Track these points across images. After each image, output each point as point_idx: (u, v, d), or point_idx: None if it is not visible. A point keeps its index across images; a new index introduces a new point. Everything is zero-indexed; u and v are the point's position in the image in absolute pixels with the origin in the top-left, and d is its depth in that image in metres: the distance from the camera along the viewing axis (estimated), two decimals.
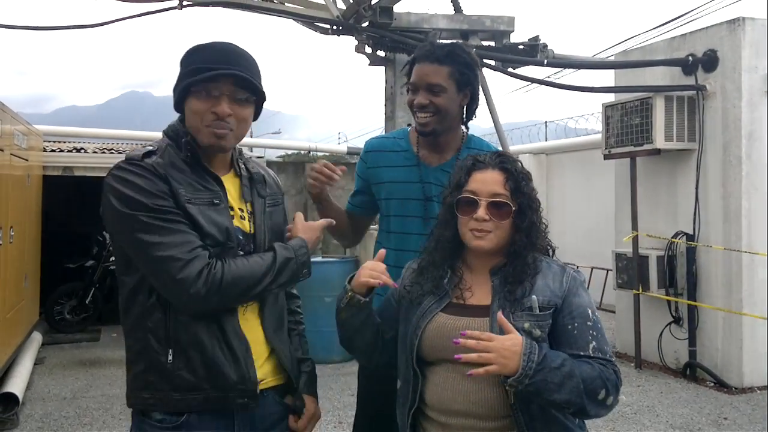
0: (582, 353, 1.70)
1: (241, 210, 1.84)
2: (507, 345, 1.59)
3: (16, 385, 5.71)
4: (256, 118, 1.88)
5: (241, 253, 1.80)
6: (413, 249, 2.21)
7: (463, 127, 2.49)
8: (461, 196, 1.81)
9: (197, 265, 1.66)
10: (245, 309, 1.83)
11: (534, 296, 1.73)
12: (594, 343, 1.72)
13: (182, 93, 1.76)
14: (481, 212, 1.76)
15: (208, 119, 1.74)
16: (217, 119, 1.74)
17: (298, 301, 2.13)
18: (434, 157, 2.44)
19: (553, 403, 1.63)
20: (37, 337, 7.76)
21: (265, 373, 1.85)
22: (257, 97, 1.82)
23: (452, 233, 1.84)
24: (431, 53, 2.35)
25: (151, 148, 1.80)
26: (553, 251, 1.89)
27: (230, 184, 1.86)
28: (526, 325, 1.70)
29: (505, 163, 1.83)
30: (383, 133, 2.61)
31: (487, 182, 1.78)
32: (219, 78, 1.72)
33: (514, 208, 1.77)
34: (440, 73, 2.32)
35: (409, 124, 2.52)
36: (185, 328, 1.74)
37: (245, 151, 2.06)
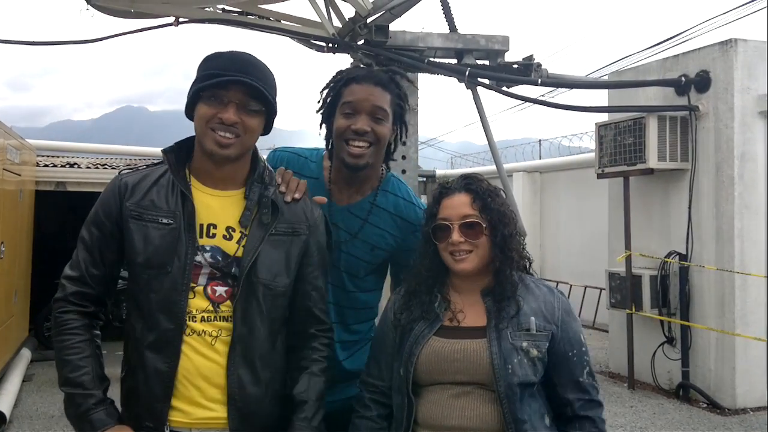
0: (579, 379, 1.82)
1: (231, 230, 1.76)
2: None
3: (3, 403, 5.65)
4: (267, 132, 1.83)
5: (218, 274, 1.73)
6: None
7: (383, 166, 2.18)
8: (435, 224, 1.87)
9: (59, 293, 1.77)
10: (213, 339, 1.72)
11: (533, 318, 1.79)
12: (588, 368, 1.85)
13: (193, 98, 1.73)
14: (455, 236, 1.81)
15: (214, 124, 1.70)
16: (222, 125, 1.69)
17: (323, 338, 1.89)
18: (344, 194, 2.12)
19: None
20: (25, 354, 7.70)
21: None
22: (268, 109, 1.76)
23: (431, 261, 1.88)
24: (374, 75, 2.08)
25: (158, 160, 1.84)
26: (530, 263, 1.95)
27: (230, 204, 1.78)
28: (524, 344, 1.76)
29: (471, 184, 1.88)
30: (293, 147, 2.25)
31: (455, 206, 1.84)
32: (229, 85, 1.68)
33: (485, 225, 1.82)
34: (385, 98, 2.04)
35: (330, 148, 2.13)
36: (134, 348, 1.74)
37: None
